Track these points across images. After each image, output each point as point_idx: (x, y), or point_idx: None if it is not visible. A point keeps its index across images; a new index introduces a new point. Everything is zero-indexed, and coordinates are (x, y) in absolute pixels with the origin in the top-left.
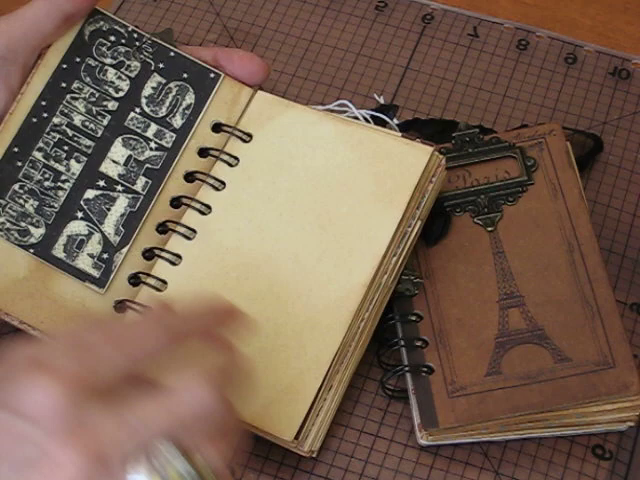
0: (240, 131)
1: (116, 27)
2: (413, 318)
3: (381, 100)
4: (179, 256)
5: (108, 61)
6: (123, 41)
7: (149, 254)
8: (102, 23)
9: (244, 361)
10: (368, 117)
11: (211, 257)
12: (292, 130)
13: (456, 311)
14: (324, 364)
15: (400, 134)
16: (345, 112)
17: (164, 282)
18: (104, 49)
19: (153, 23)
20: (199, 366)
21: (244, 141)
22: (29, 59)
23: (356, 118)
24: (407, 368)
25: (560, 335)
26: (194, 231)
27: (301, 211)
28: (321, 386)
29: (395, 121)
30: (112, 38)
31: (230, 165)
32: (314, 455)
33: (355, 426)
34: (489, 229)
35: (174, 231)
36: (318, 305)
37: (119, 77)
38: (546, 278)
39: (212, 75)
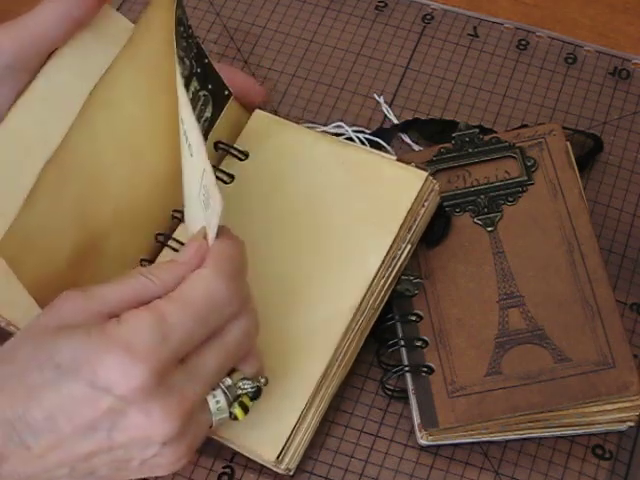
0: (236, 149)
1: (184, 18)
2: (413, 318)
3: (381, 100)
4: None
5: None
6: (185, 35)
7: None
8: (180, 10)
9: None
10: (363, 139)
11: None
12: (288, 150)
13: (456, 311)
14: (309, 387)
15: (395, 158)
16: (342, 135)
17: None
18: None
19: None
20: None
21: (240, 159)
22: (38, 65)
23: (351, 139)
24: (407, 368)
25: (560, 335)
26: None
27: (292, 231)
28: (304, 407)
29: (395, 122)
30: (181, 28)
31: (225, 182)
32: (290, 473)
33: (355, 426)
34: (489, 229)
35: (167, 245)
36: (305, 327)
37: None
38: (546, 278)
39: (226, 92)
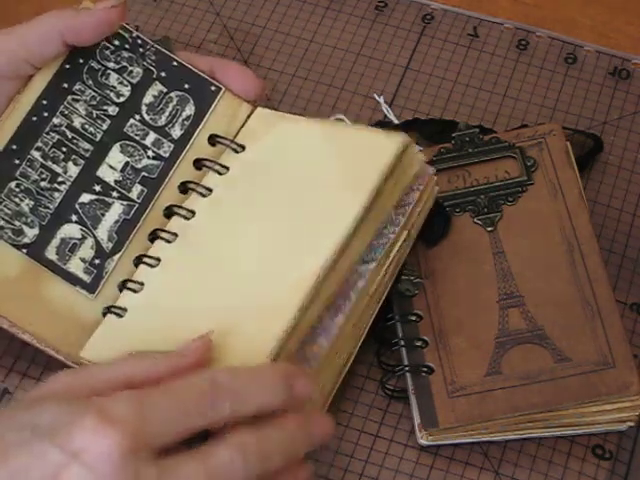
0: (235, 143)
1: (121, 31)
2: (413, 318)
3: (381, 100)
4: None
5: (111, 65)
6: (127, 46)
7: (138, 262)
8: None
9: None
10: None
11: (191, 261)
12: (283, 139)
13: (456, 311)
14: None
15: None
16: None
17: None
18: (107, 52)
19: (153, 23)
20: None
21: (236, 152)
22: (30, 73)
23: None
24: (407, 368)
25: (560, 335)
26: (176, 235)
27: (274, 208)
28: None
29: (395, 121)
30: (116, 42)
31: (219, 174)
32: None
33: (355, 426)
34: (489, 229)
35: (161, 238)
36: (273, 287)
37: (121, 82)
38: (546, 278)
39: (213, 88)
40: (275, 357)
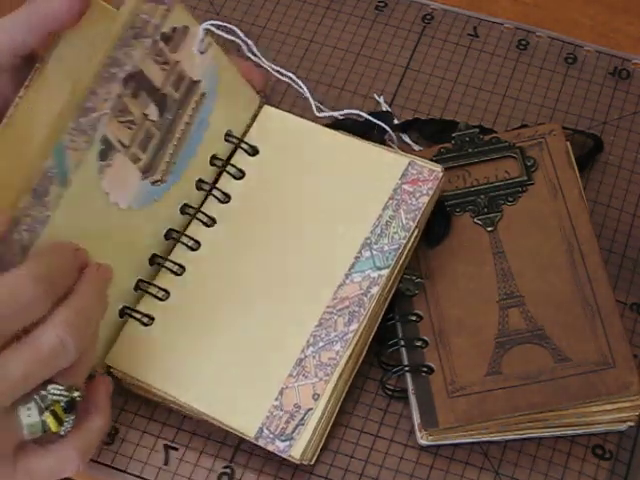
0: (246, 143)
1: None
2: (413, 318)
3: (381, 100)
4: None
5: None
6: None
7: (159, 268)
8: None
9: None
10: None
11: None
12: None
13: (456, 311)
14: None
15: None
16: None
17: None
18: None
19: None
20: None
21: (249, 154)
22: (18, 64)
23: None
24: (407, 368)
25: (560, 335)
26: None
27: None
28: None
29: (395, 121)
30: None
31: (235, 178)
32: (311, 463)
33: (355, 426)
34: (489, 229)
35: (179, 241)
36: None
37: None
38: (546, 278)
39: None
40: None
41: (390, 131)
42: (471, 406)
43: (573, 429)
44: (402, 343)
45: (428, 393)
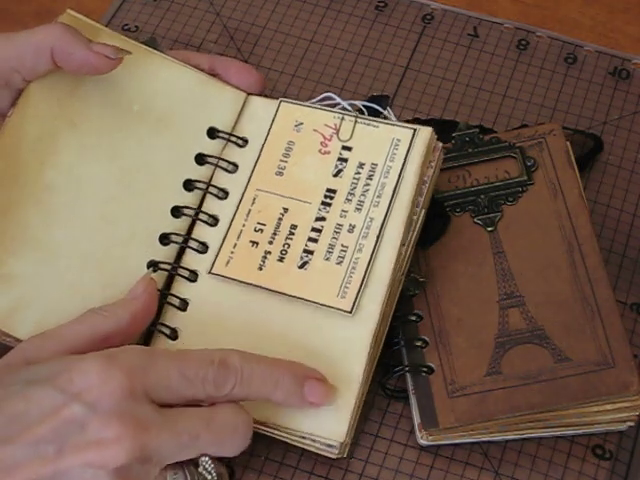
0: (235, 136)
1: None
2: (413, 318)
3: (390, 113)
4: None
5: None
6: None
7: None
8: None
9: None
10: (361, 107)
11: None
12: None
13: (456, 311)
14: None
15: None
16: (335, 105)
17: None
18: None
19: (153, 23)
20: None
21: (239, 146)
22: (19, 86)
23: (344, 109)
24: (407, 368)
25: (560, 335)
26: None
27: None
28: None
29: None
30: None
31: (228, 171)
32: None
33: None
34: (489, 229)
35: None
36: None
37: None
38: (546, 278)
39: None
40: None
41: (384, 111)
42: (471, 406)
43: (573, 429)
44: (402, 343)
45: (428, 393)
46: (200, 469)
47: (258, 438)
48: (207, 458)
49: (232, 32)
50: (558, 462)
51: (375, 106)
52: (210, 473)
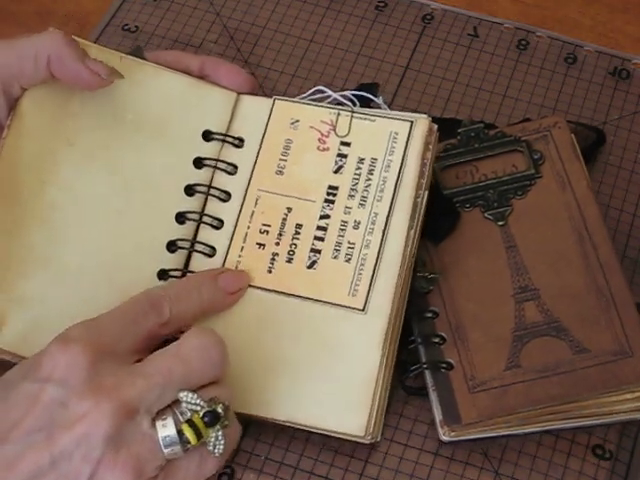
0: (230, 136)
1: None
2: (429, 315)
3: (381, 100)
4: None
5: None
6: None
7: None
8: None
9: None
10: (351, 96)
11: None
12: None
13: (471, 306)
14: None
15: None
16: (326, 98)
17: None
18: None
19: (153, 23)
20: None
21: (236, 146)
22: (15, 95)
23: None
24: (425, 365)
25: (577, 326)
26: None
27: None
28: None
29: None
30: None
31: (229, 173)
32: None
33: None
34: (500, 223)
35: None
36: None
37: None
38: (559, 270)
39: None
40: None
41: (375, 99)
42: (492, 401)
43: (593, 419)
44: (419, 340)
45: (449, 389)
46: (184, 405)
47: (258, 437)
48: (186, 392)
49: (232, 32)
50: (558, 462)
51: (366, 94)
52: (197, 404)
